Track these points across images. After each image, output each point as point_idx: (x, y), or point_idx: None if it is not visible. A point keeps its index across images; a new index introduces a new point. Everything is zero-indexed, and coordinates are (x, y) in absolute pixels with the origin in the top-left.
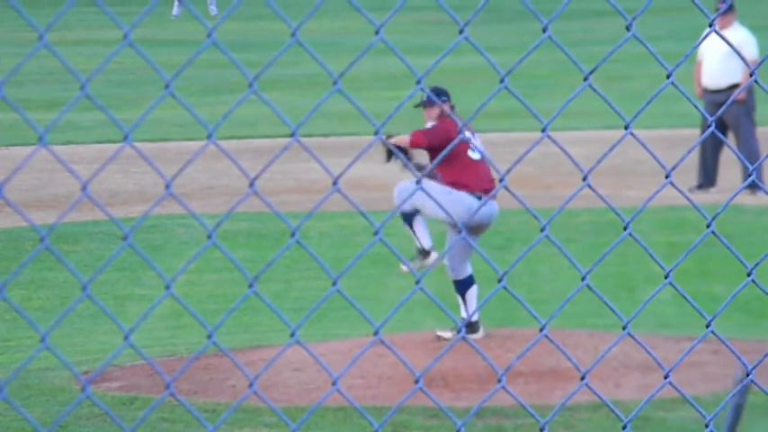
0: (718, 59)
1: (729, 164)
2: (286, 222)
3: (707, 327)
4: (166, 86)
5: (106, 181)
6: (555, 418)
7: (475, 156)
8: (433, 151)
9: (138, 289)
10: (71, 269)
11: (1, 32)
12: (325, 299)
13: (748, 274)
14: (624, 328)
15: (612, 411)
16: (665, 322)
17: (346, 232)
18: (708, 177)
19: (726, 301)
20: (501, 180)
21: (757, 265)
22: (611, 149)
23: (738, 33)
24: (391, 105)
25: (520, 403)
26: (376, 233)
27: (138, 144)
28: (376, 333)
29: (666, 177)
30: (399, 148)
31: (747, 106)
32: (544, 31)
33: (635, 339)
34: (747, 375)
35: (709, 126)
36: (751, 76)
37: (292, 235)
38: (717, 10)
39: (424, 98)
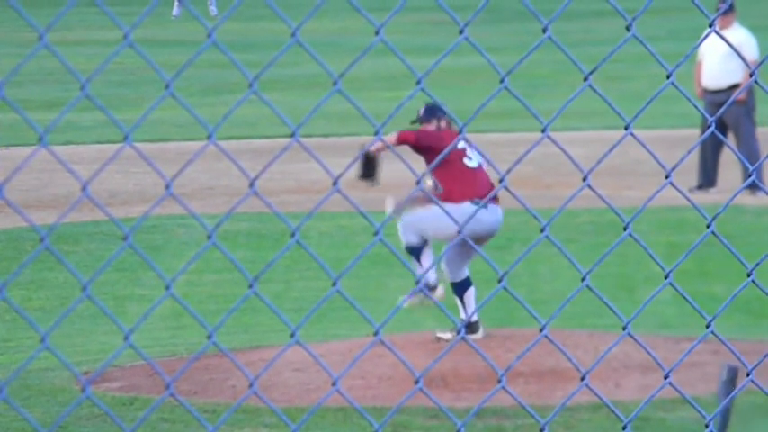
0: (718, 60)
1: (729, 164)
2: (286, 223)
3: (707, 327)
4: (166, 87)
5: (106, 181)
6: (555, 419)
7: (471, 164)
8: (424, 153)
9: (138, 289)
10: (71, 269)
11: (1, 32)
12: (325, 299)
13: (748, 275)
14: (624, 329)
15: (612, 411)
16: (665, 322)
17: (346, 232)
18: (708, 178)
19: (726, 302)
20: (501, 180)
21: (757, 265)
22: (611, 150)
23: (738, 34)
24: (391, 105)
25: (520, 403)
26: (376, 234)
27: (138, 144)
28: (376, 333)
29: (666, 177)
30: (372, 165)
31: (747, 107)
32: (544, 31)
33: (635, 339)
34: (735, 374)
35: (709, 126)
36: (751, 76)
37: (292, 235)
38: (717, 10)
39: (420, 114)
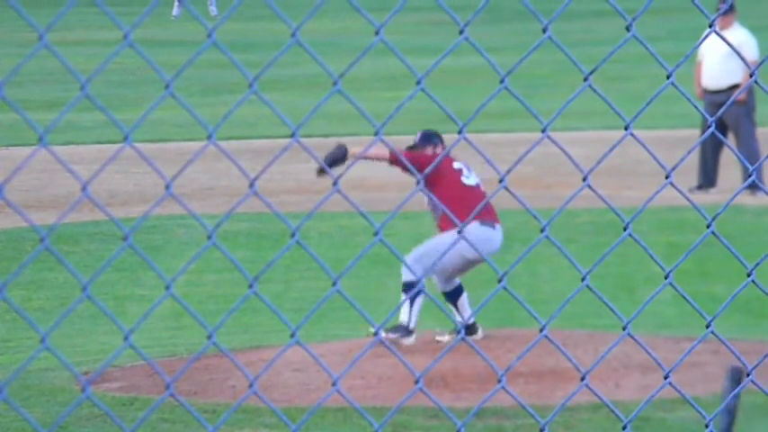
0: (718, 60)
1: (729, 164)
2: (286, 223)
3: (707, 327)
4: (166, 87)
5: (106, 181)
6: (555, 419)
7: (470, 182)
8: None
9: (138, 289)
10: (71, 270)
11: (1, 32)
12: (325, 299)
13: (748, 275)
14: (624, 329)
15: (612, 412)
16: (665, 323)
17: (346, 233)
18: (708, 178)
19: (726, 302)
20: (501, 180)
21: (757, 265)
22: (611, 150)
23: (738, 34)
24: (391, 106)
25: (520, 404)
26: (376, 234)
27: (138, 144)
28: (376, 333)
29: (666, 178)
30: (340, 162)
31: (747, 107)
32: (544, 31)
33: (635, 340)
34: (740, 376)
35: (709, 126)
36: (751, 76)
37: (292, 235)
38: (717, 10)
39: (416, 141)
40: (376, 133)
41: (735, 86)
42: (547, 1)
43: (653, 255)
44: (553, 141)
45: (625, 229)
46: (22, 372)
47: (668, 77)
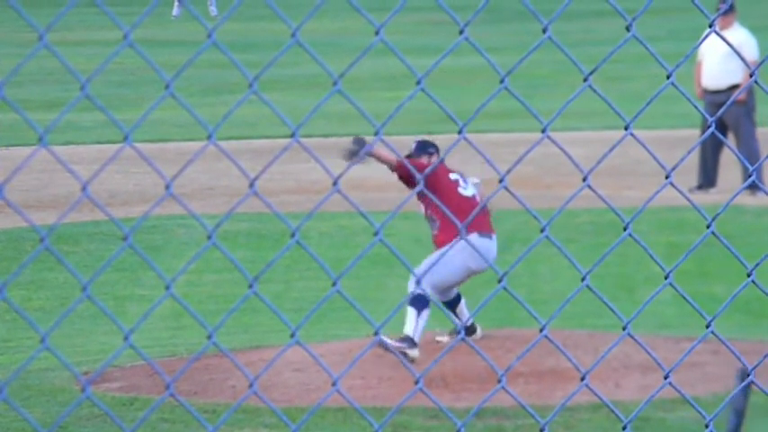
0: (718, 60)
1: (729, 164)
2: (286, 223)
3: (707, 327)
4: (166, 87)
5: (106, 181)
6: (555, 419)
7: (467, 192)
8: (412, 183)
9: (138, 289)
10: (71, 270)
11: (1, 32)
12: (325, 299)
13: (748, 275)
14: (624, 329)
15: (612, 412)
16: (665, 323)
17: (346, 233)
18: (708, 178)
19: (726, 302)
20: (501, 180)
21: (757, 265)
22: (611, 150)
23: (738, 34)
24: (391, 106)
25: (520, 404)
26: (376, 234)
27: (138, 144)
28: (376, 333)
29: (666, 178)
30: (359, 149)
31: (747, 107)
32: (544, 31)
33: (635, 340)
34: (748, 377)
35: (709, 127)
36: (751, 76)
37: (292, 235)
38: (717, 10)
39: (412, 149)
40: (376, 133)
41: (735, 86)
42: (547, 1)
43: (653, 255)
44: (553, 141)
45: (625, 229)
46: (22, 372)
47: (668, 77)
